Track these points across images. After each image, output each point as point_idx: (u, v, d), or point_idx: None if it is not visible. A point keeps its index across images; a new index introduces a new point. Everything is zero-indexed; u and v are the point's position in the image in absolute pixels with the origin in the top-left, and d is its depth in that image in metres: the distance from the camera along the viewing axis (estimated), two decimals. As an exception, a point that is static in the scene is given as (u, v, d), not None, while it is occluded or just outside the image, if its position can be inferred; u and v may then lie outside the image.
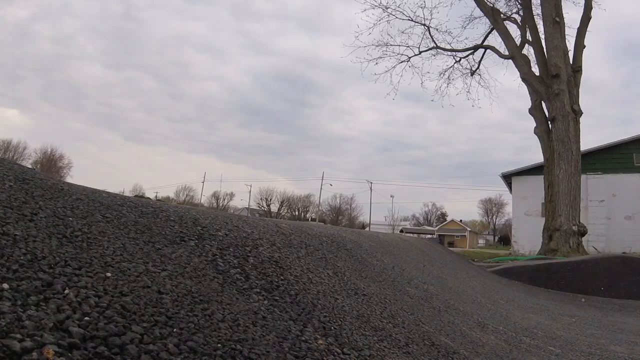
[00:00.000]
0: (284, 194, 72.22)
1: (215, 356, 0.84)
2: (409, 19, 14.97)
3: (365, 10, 19.78)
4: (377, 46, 15.49)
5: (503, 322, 2.81)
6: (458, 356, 1.63)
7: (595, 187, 17.31)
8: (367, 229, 33.41)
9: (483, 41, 15.35)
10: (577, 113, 10.95)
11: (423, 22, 15.04)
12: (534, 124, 12.43)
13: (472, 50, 15.60)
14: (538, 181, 14.59)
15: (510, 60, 12.80)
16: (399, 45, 17.64)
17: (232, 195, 72.22)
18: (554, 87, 10.72)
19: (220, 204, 68.44)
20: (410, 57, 15.60)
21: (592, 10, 12.12)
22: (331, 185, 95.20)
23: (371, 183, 55.51)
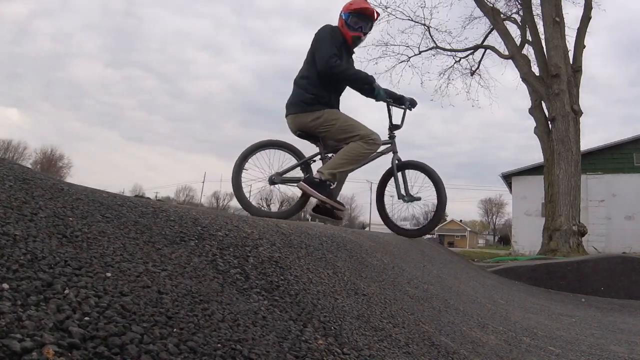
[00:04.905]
0: (284, 194, 72.05)
1: (215, 356, 0.84)
2: (409, 19, 14.98)
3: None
4: (376, 46, 15.52)
5: (503, 322, 2.81)
6: (458, 356, 1.63)
7: (595, 187, 17.32)
8: (367, 229, 33.37)
9: (483, 41, 15.36)
10: (577, 113, 10.96)
11: (423, 22, 15.05)
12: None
13: (472, 50, 15.61)
14: (538, 181, 14.59)
15: (510, 60, 12.81)
16: (399, 45, 17.60)
17: (232, 195, 72.04)
18: (554, 87, 10.72)
19: (221, 204, 68.38)
20: (410, 57, 15.62)
21: (592, 10, 12.13)
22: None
23: (371, 183, 55.50)
